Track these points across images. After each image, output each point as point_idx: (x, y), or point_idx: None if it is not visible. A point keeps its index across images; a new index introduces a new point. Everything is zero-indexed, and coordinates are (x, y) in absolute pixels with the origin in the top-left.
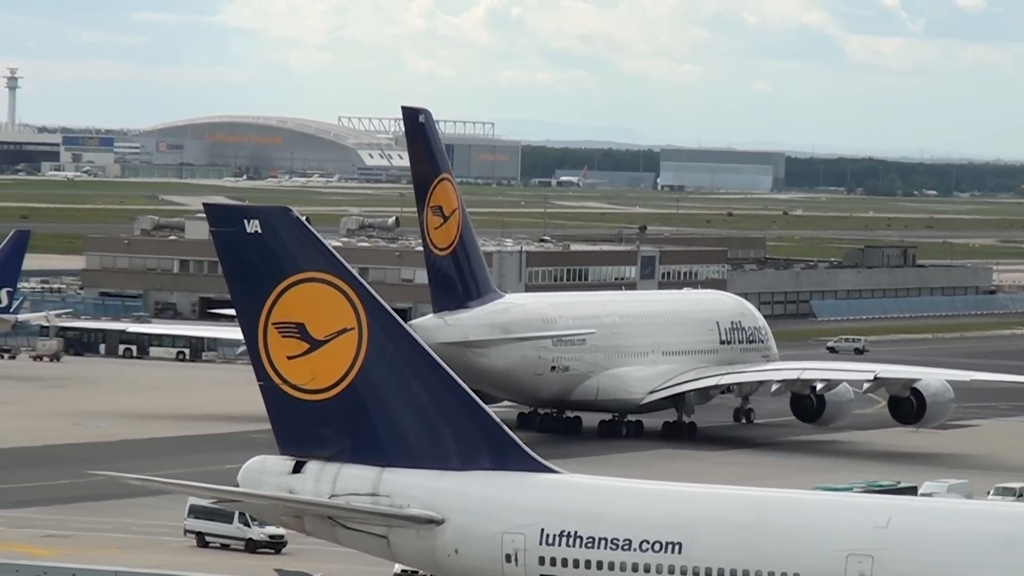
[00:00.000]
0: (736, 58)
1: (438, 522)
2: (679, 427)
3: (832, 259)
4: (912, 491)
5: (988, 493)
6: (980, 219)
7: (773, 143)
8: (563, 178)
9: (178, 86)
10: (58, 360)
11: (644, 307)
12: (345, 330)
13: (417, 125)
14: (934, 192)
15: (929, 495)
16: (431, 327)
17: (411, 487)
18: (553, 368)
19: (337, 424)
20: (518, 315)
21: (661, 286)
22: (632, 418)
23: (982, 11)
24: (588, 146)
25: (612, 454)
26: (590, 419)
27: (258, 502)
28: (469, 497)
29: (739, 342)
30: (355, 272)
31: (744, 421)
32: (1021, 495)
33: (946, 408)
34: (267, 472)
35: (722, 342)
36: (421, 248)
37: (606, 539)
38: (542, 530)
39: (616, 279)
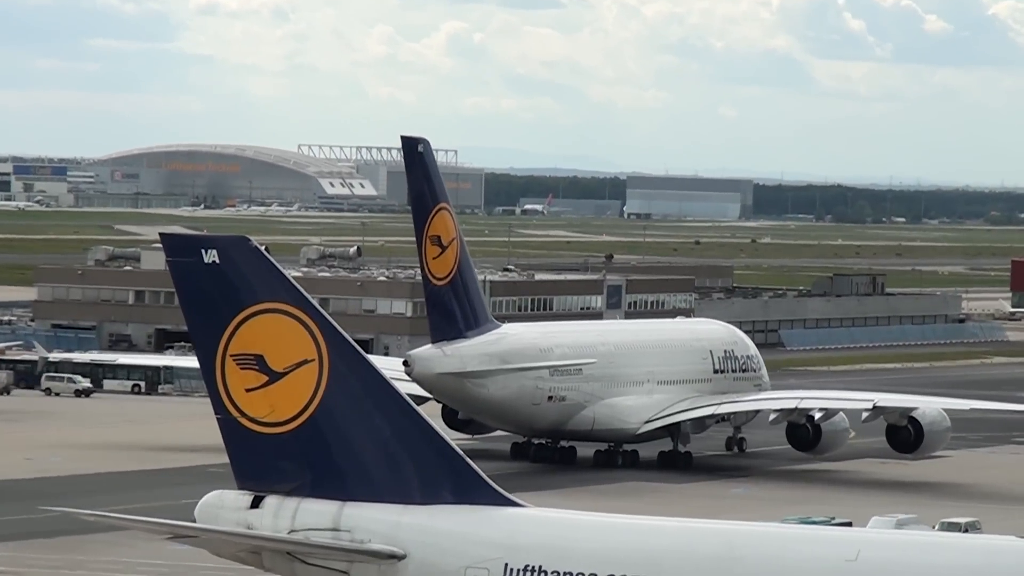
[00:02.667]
0: (703, 84)
1: (400, 557)
2: (675, 457)
3: (801, 287)
4: (848, 527)
5: (933, 527)
6: (949, 246)
7: (741, 170)
8: (528, 206)
9: (133, 114)
10: (7, 393)
11: (639, 336)
12: (305, 362)
13: (416, 154)
14: (903, 219)
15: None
16: (429, 357)
17: (373, 521)
18: (550, 398)
19: (297, 458)
20: (515, 345)
21: (628, 316)
22: (628, 448)
23: (949, 35)
24: (553, 174)
25: (607, 484)
26: (585, 449)
27: (216, 538)
28: (431, 532)
29: (732, 371)
30: (316, 303)
31: (736, 450)
32: (967, 530)
33: (942, 437)
34: (225, 507)
35: (715, 371)
36: (383, 278)
37: (571, 573)
38: (506, 565)
39: (582, 309)
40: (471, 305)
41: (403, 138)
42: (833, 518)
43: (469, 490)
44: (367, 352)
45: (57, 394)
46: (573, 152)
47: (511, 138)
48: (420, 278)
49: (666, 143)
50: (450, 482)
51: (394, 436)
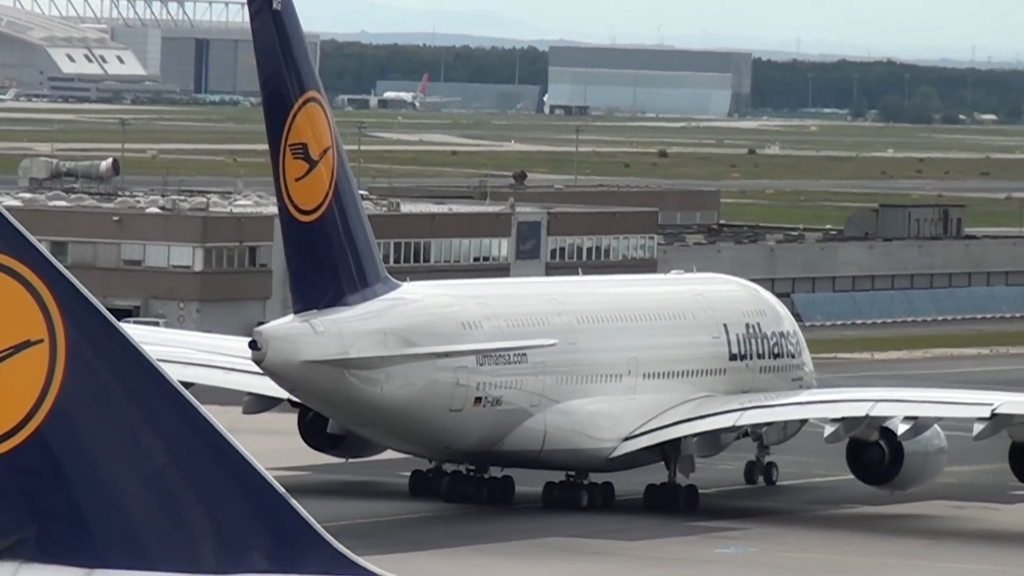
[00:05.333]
0: None
1: None
2: (671, 493)
3: (828, 226)
4: None
5: None
6: None
7: (733, 38)
8: (389, 94)
9: None
10: None
11: (615, 302)
12: (27, 344)
13: (268, 14)
14: (992, 116)
15: None
16: (291, 336)
17: None
18: (478, 400)
19: (13, 497)
20: (424, 317)
21: (550, 270)
22: (597, 479)
23: None
24: (430, 42)
25: (550, 537)
26: (532, 480)
27: None
28: None
29: (758, 356)
30: (46, 250)
31: (762, 481)
32: None
33: None
34: None
35: (732, 356)
36: (155, 210)
37: None
38: None
39: (476, 259)
40: (356, 254)
41: None
42: None
43: (294, 551)
44: (122, 321)
45: None
46: (462, 7)
47: None
48: (222, 209)
49: None
50: (264, 539)
51: (174, 464)
